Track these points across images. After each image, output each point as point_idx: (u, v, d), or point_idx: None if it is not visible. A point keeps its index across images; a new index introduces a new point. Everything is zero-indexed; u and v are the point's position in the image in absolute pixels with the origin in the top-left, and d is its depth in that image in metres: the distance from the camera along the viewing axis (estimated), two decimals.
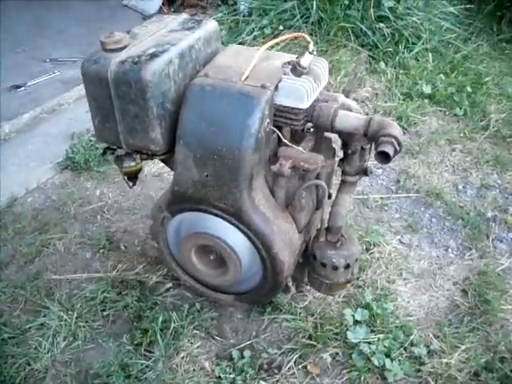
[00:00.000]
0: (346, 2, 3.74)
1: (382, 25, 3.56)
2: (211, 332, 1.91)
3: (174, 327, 1.86)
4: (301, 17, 3.82)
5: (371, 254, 2.20)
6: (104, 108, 1.63)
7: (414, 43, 3.61)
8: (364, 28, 3.63)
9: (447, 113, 3.16)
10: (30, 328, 1.90)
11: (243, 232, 1.67)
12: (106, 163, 2.80)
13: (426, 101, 3.22)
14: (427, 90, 3.22)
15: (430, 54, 3.46)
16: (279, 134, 1.62)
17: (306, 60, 1.62)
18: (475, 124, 3.04)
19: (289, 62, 1.68)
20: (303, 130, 1.83)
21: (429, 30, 3.63)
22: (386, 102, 3.20)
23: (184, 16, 1.86)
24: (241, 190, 1.60)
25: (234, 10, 4.27)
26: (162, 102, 1.59)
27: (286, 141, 1.63)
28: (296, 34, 1.75)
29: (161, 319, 1.87)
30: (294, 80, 1.60)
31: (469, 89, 3.25)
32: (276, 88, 1.59)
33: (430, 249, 2.27)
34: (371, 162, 1.85)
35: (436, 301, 2.02)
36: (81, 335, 1.87)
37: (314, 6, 3.73)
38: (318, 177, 1.77)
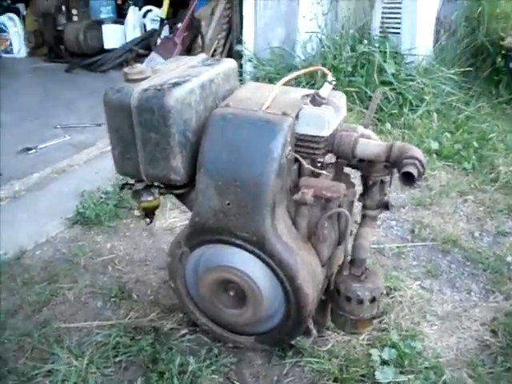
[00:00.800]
0: (350, 69, 3.89)
1: (386, 88, 3.68)
2: (230, 377, 1.80)
3: (192, 370, 1.75)
4: (306, 83, 3.95)
5: (392, 298, 2.12)
6: (125, 138, 1.64)
7: (417, 106, 3.72)
8: (368, 92, 3.75)
9: (456, 167, 3.18)
10: (36, 375, 1.79)
11: (266, 263, 1.62)
12: (116, 218, 2.77)
13: (434, 156, 3.25)
14: (434, 145, 3.27)
15: (434, 114, 3.55)
16: (301, 159, 1.61)
17: (325, 91, 1.65)
18: (485, 177, 3.06)
19: (307, 95, 1.71)
20: (322, 166, 1.84)
21: (431, 93, 3.74)
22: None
23: (203, 56, 1.92)
24: (263, 218, 1.57)
25: (240, 80, 4.43)
26: (184, 130, 1.60)
27: (308, 166, 1.62)
28: (314, 68, 1.80)
29: (178, 362, 1.76)
30: (315, 109, 1.63)
31: (475, 144, 3.30)
32: (297, 117, 1.61)
33: (452, 293, 2.19)
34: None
35: (464, 342, 1.92)
36: (91, 381, 1.75)
37: (319, 73, 3.87)
38: (339, 206, 1.74)
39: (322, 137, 1.62)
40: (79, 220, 2.74)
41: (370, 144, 1.66)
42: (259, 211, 1.56)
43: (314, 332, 1.85)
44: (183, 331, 1.97)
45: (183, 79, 1.64)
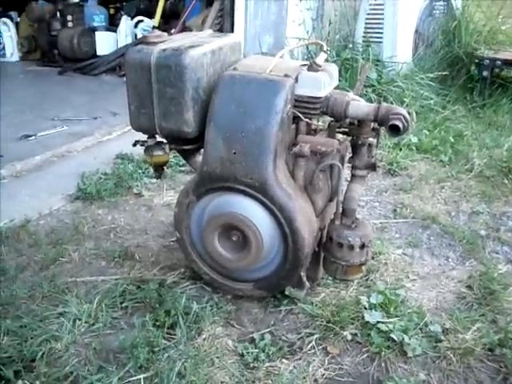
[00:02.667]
0: None
1: (369, 90, 3.93)
2: (230, 322, 1.95)
3: (196, 311, 1.90)
4: None
5: (377, 260, 2.30)
6: (142, 93, 1.82)
7: None
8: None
9: (434, 159, 3.42)
10: (49, 316, 1.91)
11: (266, 207, 1.79)
12: (116, 195, 2.92)
13: (414, 149, 3.49)
14: (414, 140, 3.51)
15: (414, 113, 3.80)
16: (299, 115, 1.81)
17: (320, 59, 1.86)
18: (460, 168, 3.29)
19: (305, 64, 1.92)
20: (315, 131, 2.05)
21: (410, 96, 4.01)
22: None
23: (210, 31, 2.12)
24: (266, 165, 1.75)
25: None
26: (197, 86, 1.79)
27: (306, 120, 1.81)
28: (310, 41, 2.01)
29: (183, 303, 1.91)
30: (312, 73, 1.83)
31: (452, 140, 3.56)
32: (296, 79, 1.81)
33: (431, 259, 2.39)
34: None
35: (443, 295, 2.11)
36: (102, 319, 1.89)
37: None
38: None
39: (319, 97, 1.82)
40: (80, 196, 2.88)
41: (361, 105, 1.86)
42: (262, 158, 1.75)
43: (307, 284, 2.01)
44: (185, 284, 2.12)
45: (197, 44, 1.84)
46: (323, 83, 1.82)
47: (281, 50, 1.96)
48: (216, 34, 2.07)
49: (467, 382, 1.71)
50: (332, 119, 1.93)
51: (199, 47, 1.81)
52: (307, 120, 1.82)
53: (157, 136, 1.95)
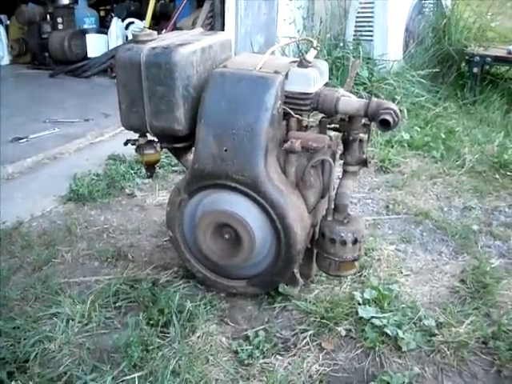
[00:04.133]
0: None
1: (360, 87, 3.94)
2: (224, 319, 1.94)
3: (189, 310, 1.90)
4: None
5: (370, 256, 2.31)
6: (133, 92, 1.82)
7: None
8: None
9: (426, 156, 3.43)
10: (42, 317, 1.90)
11: (258, 204, 1.79)
12: (108, 196, 2.91)
13: (406, 146, 3.50)
14: (406, 136, 3.52)
15: (405, 110, 3.80)
16: (290, 111, 1.81)
17: (310, 55, 1.86)
18: (452, 163, 3.30)
19: (295, 61, 1.93)
20: (306, 127, 2.05)
21: (402, 94, 4.02)
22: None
23: (200, 29, 2.12)
24: (257, 161, 1.75)
25: None
26: (187, 84, 1.79)
27: (297, 116, 1.81)
28: (300, 38, 2.01)
29: (176, 302, 1.91)
30: (302, 69, 1.84)
31: (443, 136, 3.57)
32: (286, 76, 1.81)
33: (424, 254, 2.39)
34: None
35: (437, 290, 2.11)
36: (95, 319, 1.88)
37: None
38: None
39: (309, 93, 1.83)
40: (72, 197, 2.87)
41: (351, 100, 1.87)
42: (254, 155, 1.75)
43: (301, 281, 2.02)
44: (179, 282, 2.11)
45: (186, 42, 1.84)
46: (313, 79, 1.82)
47: (271, 47, 1.96)
48: (206, 32, 2.08)
49: (461, 374, 1.71)
50: (323, 115, 1.94)
51: (189, 45, 1.81)
52: (298, 116, 1.82)
53: (148, 135, 1.95)
